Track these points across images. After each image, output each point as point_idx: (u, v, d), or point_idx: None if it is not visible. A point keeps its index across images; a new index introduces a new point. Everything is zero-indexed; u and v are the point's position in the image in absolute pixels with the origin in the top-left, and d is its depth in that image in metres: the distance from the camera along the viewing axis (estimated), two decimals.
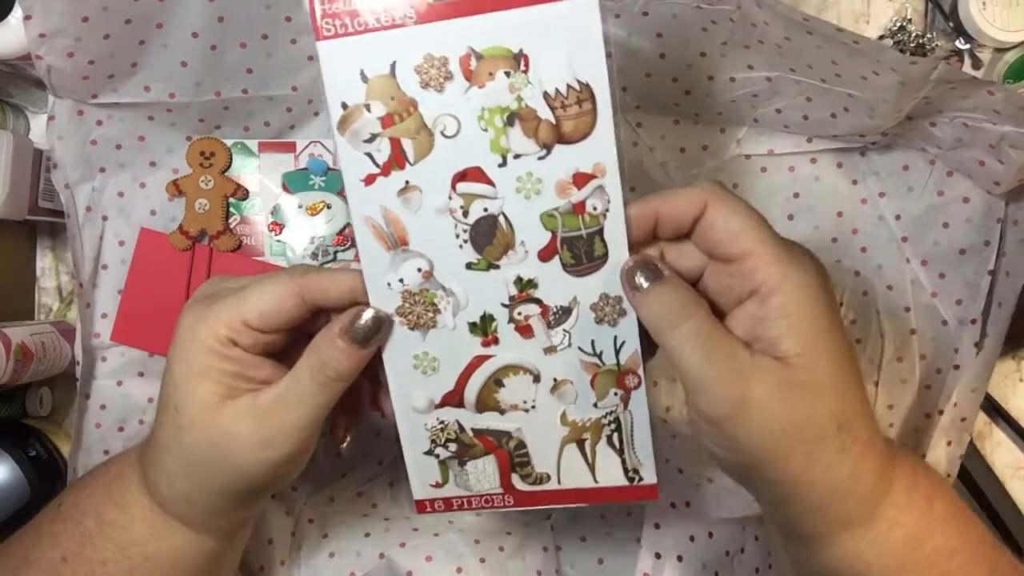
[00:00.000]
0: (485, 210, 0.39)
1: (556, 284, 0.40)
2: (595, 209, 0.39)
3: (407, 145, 0.38)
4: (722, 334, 0.36)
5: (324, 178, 0.58)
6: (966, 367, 0.53)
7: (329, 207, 0.58)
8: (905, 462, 0.39)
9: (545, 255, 0.40)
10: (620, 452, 0.43)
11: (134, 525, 0.41)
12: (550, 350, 0.41)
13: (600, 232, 0.39)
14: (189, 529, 0.42)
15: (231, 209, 0.58)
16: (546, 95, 0.37)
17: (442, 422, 0.43)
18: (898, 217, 0.56)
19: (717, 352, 0.36)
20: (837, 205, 0.57)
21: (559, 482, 0.44)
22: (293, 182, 0.58)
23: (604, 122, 0.37)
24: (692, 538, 0.53)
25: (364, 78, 0.37)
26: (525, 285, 0.40)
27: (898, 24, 0.61)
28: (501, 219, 0.39)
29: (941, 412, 0.54)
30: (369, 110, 0.38)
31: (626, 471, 0.43)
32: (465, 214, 0.39)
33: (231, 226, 0.58)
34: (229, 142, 0.58)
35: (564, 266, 0.40)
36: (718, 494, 0.55)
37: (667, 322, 0.37)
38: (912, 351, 0.56)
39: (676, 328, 0.36)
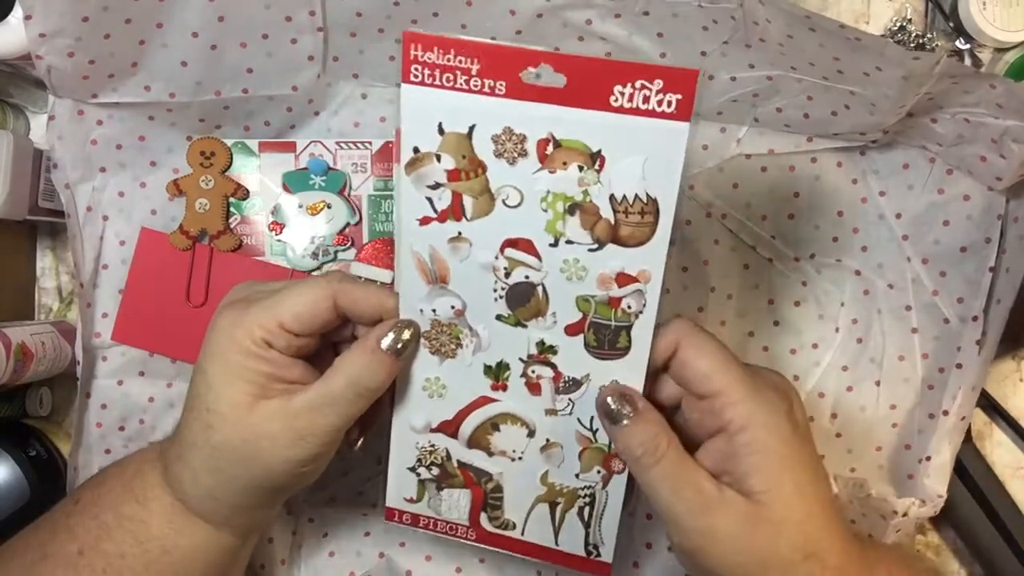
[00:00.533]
0: (526, 277, 0.40)
1: (574, 357, 0.42)
2: (629, 308, 0.40)
3: (467, 202, 0.39)
4: (691, 470, 0.38)
5: (324, 178, 0.58)
6: (968, 365, 0.53)
7: (329, 207, 0.58)
8: (881, 573, 0.40)
9: (572, 331, 0.41)
10: (587, 525, 0.45)
11: (153, 519, 0.42)
12: (551, 412, 0.43)
13: (628, 328, 0.41)
14: (210, 525, 0.43)
15: (231, 209, 0.58)
16: (612, 197, 0.38)
17: (433, 445, 0.45)
18: (898, 216, 0.57)
19: (685, 488, 0.38)
20: (837, 204, 0.57)
21: (522, 533, 0.46)
22: (293, 182, 0.58)
23: (661, 237, 0.39)
24: None
25: (441, 131, 0.38)
26: (546, 349, 0.42)
27: (898, 24, 0.61)
28: (539, 289, 0.41)
29: (946, 412, 0.54)
30: (439, 160, 0.39)
31: (587, 544, 0.45)
32: (507, 275, 0.41)
33: (231, 226, 0.58)
34: (229, 142, 0.58)
35: (586, 345, 0.41)
36: None
37: (640, 461, 0.39)
38: (914, 350, 0.56)
39: (649, 467, 0.39)
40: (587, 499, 0.44)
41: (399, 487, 0.46)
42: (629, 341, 0.41)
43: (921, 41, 0.61)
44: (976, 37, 0.60)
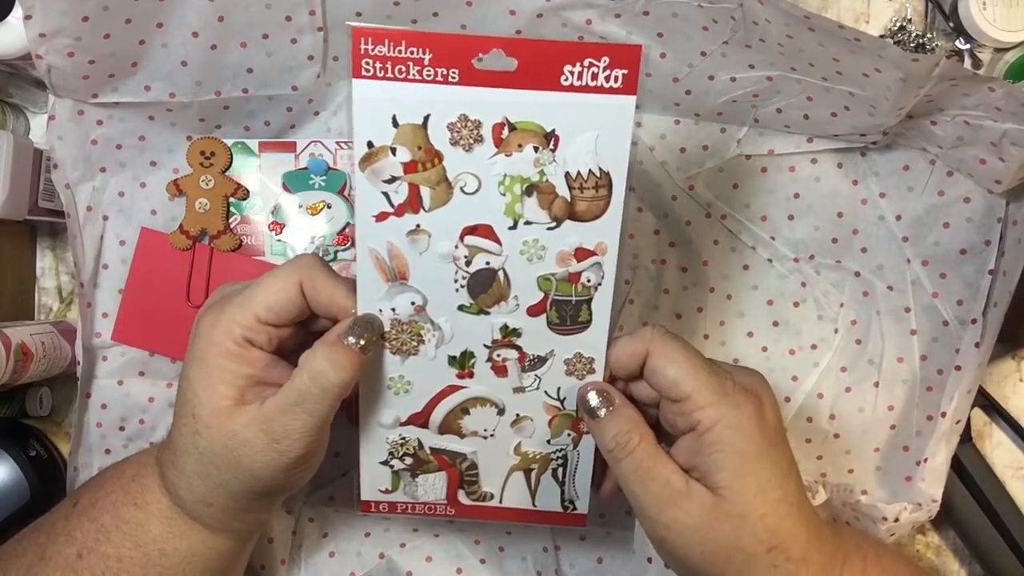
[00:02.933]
0: (487, 263, 0.41)
1: (538, 336, 0.43)
2: (589, 281, 0.41)
3: (425, 193, 0.40)
4: (661, 464, 0.40)
5: (324, 178, 0.58)
6: (967, 368, 0.53)
7: (329, 207, 0.58)
8: (855, 562, 0.42)
9: (534, 311, 0.42)
10: (561, 484, 0.46)
11: (151, 523, 0.42)
12: (519, 390, 0.44)
13: (588, 302, 0.42)
14: (207, 529, 0.43)
15: (231, 209, 0.58)
16: (567, 175, 0.39)
17: (403, 438, 0.45)
18: (899, 217, 0.57)
19: (652, 482, 0.40)
20: (837, 205, 0.57)
21: (500, 501, 0.47)
22: (293, 182, 0.58)
23: (615, 208, 0.40)
24: None
25: (395, 123, 0.38)
26: (509, 332, 0.43)
27: (898, 24, 0.61)
28: (500, 274, 0.41)
29: (944, 414, 0.54)
30: (394, 153, 0.39)
31: (563, 500, 0.47)
32: (468, 263, 0.41)
33: (231, 226, 0.58)
34: (229, 142, 0.58)
35: (549, 323, 0.42)
36: None
37: (612, 454, 0.41)
38: (913, 352, 0.56)
39: (619, 460, 0.41)
40: (560, 460, 0.46)
41: (373, 481, 0.46)
42: (590, 314, 0.42)
43: (921, 41, 0.61)
44: (976, 37, 0.60)
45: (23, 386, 0.58)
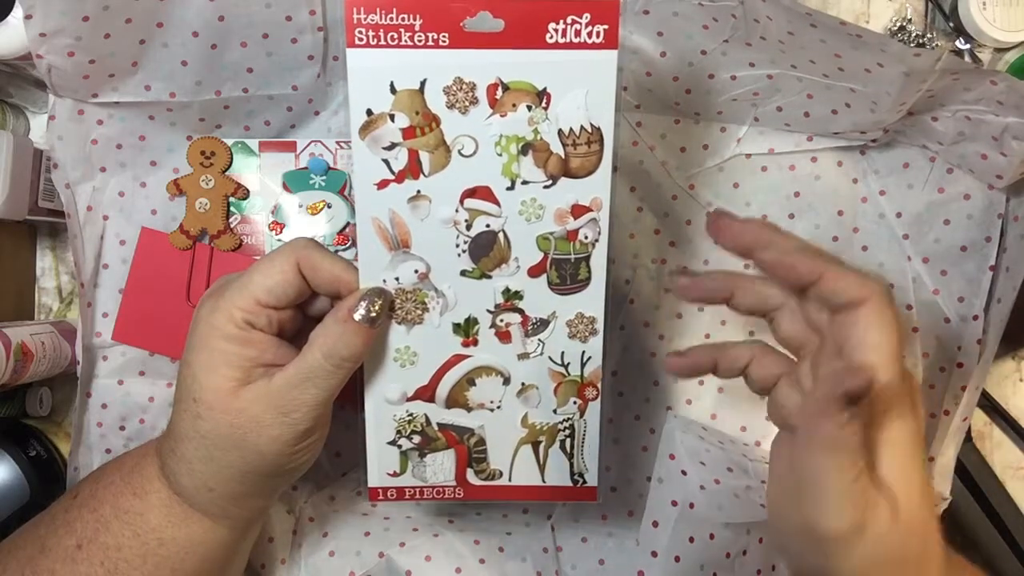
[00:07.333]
0: (487, 226, 0.42)
1: (540, 298, 0.43)
2: (586, 238, 0.42)
3: (424, 158, 0.41)
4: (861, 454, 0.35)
5: (324, 177, 0.58)
6: (969, 365, 0.53)
7: (330, 206, 0.58)
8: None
9: (534, 272, 0.43)
10: (570, 456, 0.47)
11: (151, 512, 0.43)
12: (523, 356, 0.45)
13: (587, 259, 0.43)
14: (207, 518, 0.43)
15: (232, 208, 0.58)
16: (560, 132, 0.41)
17: (411, 414, 0.46)
18: (899, 215, 0.57)
19: (850, 468, 0.34)
20: (838, 204, 0.57)
21: (510, 479, 0.47)
22: (294, 181, 0.58)
23: (606, 163, 0.41)
24: (692, 539, 0.53)
25: (393, 90, 0.39)
26: (512, 296, 0.43)
27: (898, 24, 0.61)
28: (501, 236, 0.42)
29: (947, 412, 0.54)
30: (393, 120, 0.40)
31: (572, 474, 0.47)
32: (468, 227, 0.42)
33: (232, 225, 0.58)
34: (229, 141, 0.58)
35: (549, 283, 0.43)
36: (721, 499, 0.55)
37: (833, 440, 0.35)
38: (915, 349, 0.56)
39: (837, 449, 0.34)
40: (567, 431, 0.46)
41: (380, 464, 0.47)
42: (588, 271, 0.43)
43: (921, 41, 0.61)
44: (976, 37, 0.60)
45: (23, 386, 0.58)
